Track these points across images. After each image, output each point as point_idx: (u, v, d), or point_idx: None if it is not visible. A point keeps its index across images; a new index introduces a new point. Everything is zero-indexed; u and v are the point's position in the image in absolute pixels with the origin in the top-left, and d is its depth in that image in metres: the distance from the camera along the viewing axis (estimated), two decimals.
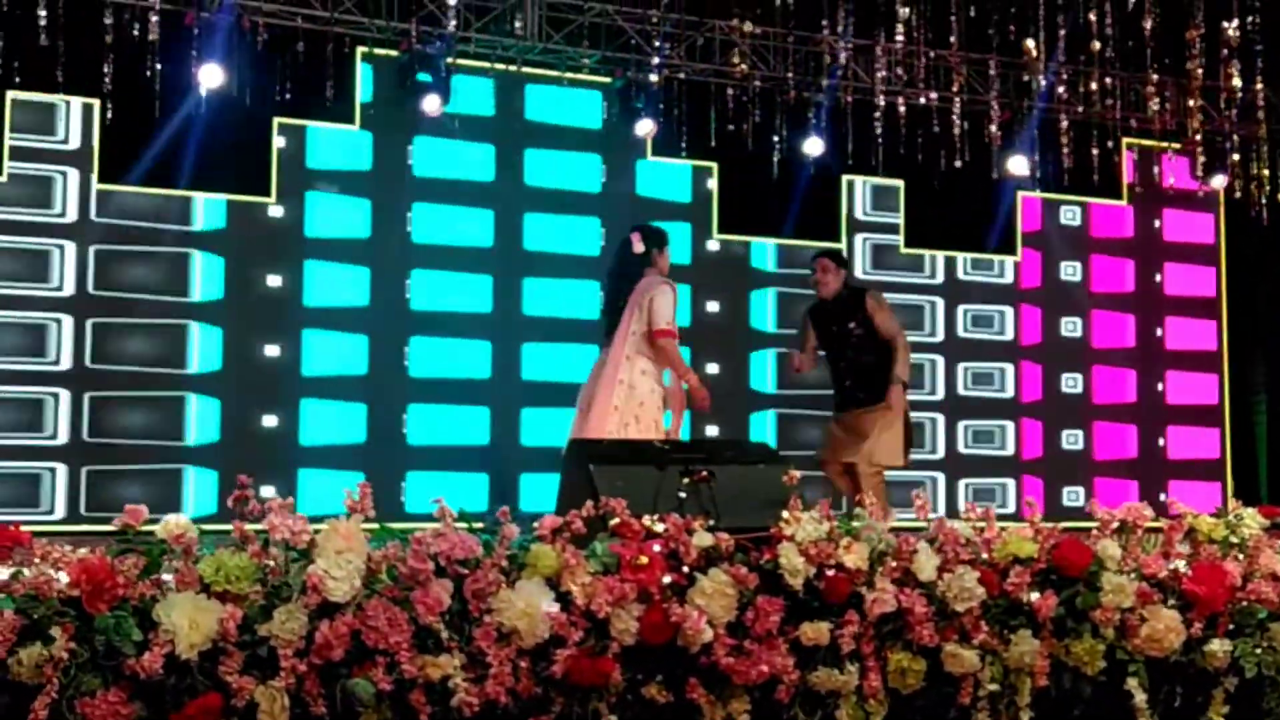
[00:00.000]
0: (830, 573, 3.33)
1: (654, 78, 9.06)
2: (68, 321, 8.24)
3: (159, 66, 7.94)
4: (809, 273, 7.42)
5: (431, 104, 8.66)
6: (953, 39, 8.81)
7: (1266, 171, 10.23)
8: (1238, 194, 10.51)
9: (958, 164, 9.52)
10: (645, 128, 9.20)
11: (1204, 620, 3.58)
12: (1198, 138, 10.05)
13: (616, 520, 3.30)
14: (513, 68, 9.15)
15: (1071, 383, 10.72)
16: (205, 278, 8.57)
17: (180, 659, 2.79)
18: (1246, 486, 10.29)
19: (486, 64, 9.14)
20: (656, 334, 6.38)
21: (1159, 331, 11.00)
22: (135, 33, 7.85)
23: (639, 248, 6.57)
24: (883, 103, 9.24)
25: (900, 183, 10.20)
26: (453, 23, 8.54)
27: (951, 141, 9.52)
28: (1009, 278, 10.59)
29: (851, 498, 7.00)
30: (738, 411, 9.64)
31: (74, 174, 8.28)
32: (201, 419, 8.49)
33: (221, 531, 3.07)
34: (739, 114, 9.31)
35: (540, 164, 9.43)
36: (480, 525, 3.24)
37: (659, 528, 3.31)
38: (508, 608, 3.03)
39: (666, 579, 3.19)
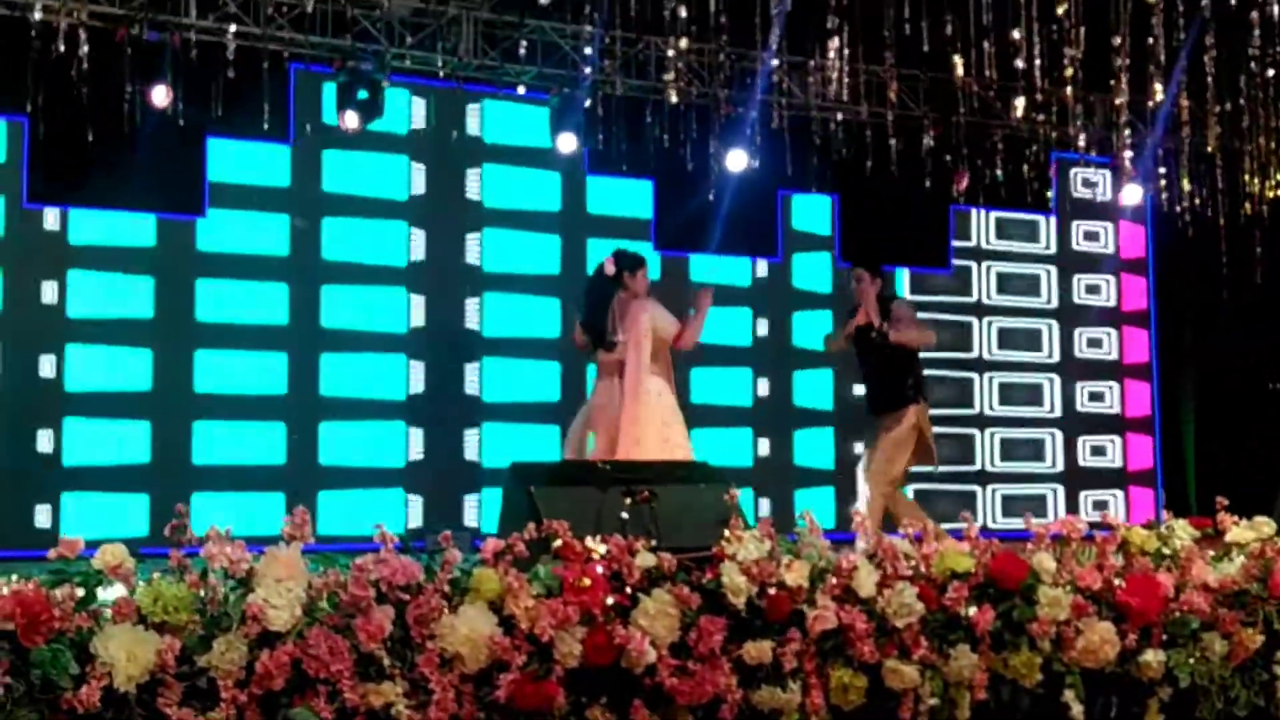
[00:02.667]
0: (772, 591, 3.34)
1: (586, 95, 9.06)
2: None
3: (88, 85, 7.83)
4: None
5: (360, 121, 8.60)
6: (887, 55, 8.90)
7: (1188, 184, 10.42)
8: (1165, 207, 10.72)
9: (894, 176, 9.62)
10: (568, 144, 9.18)
11: (1138, 631, 3.64)
12: (1125, 152, 10.23)
13: (559, 542, 3.30)
14: (449, 84, 9.13)
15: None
16: None
17: (118, 692, 2.75)
18: (1177, 497, 10.45)
19: (422, 81, 9.11)
20: (676, 342, 6.86)
21: (1086, 343, 11.18)
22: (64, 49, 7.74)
23: (610, 270, 6.87)
24: (819, 118, 9.33)
25: (835, 197, 10.29)
26: (384, 40, 8.50)
27: (886, 156, 9.61)
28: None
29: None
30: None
31: None
32: None
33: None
34: (675, 130, 9.34)
35: (478, 180, 9.41)
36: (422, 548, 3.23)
37: (601, 549, 3.31)
38: (450, 633, 3.01)
39: (609, 600, 3.19)
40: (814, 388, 10.14)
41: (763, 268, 10.19)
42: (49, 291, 8.31)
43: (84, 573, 2.93)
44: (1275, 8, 8.11)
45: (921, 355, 7.50)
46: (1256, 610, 3.84)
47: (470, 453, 9.26)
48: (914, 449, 7.32)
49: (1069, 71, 8.58)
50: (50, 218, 8.32)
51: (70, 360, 8.31)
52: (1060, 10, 7.86)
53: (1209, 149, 10.17)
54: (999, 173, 10.15)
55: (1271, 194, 10.07)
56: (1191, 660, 3.68)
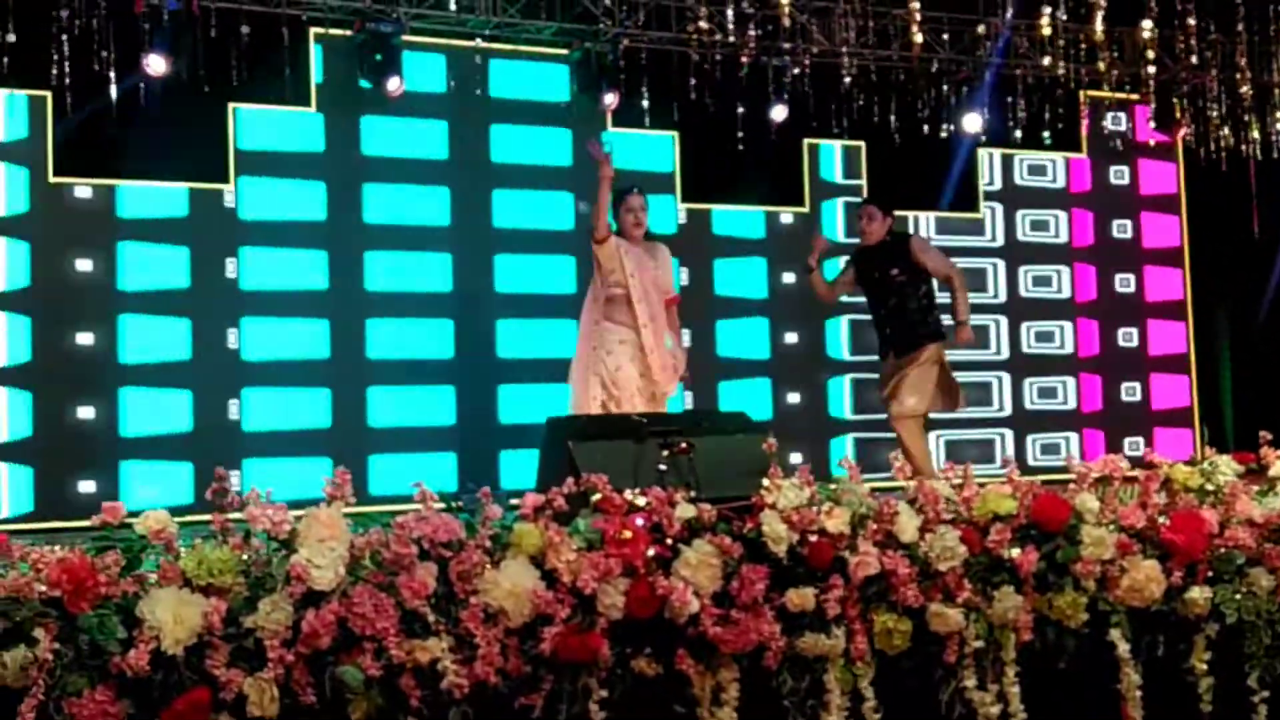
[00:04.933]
0: (813, 538, 3.34)
1: (611, 49, 9.00)
2: None
3: (109, 56, 7.83)
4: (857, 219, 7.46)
5: (390, 84, 8.58)
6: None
7: (1219, 120, 10.28)
8: (1195, 144, 10.59)
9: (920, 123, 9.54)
10: (609, 100, 9.15)
11: (1183, 569, 3.62)
12: (1152, 88, 10.10)
13: (598, 496, 3.30)
14: (469, 43, 9.08)
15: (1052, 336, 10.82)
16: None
17: (166, 654, 2.77)
18: (1215, 433, 10.38)
19: (442, 40, 9.07)
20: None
21: (1119, 282, 11.07)
22: (80, 23, 7.74)
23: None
24: (847, 64, 9.25)
25: (862, 144, 10.20)
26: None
27: (912, 101, 9.52)
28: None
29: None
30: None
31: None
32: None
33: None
34: (700, 82, 9.26)
35: (502, 139, 9.36)
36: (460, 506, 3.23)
37: (641, 501, 3.31)
38: (493, 588, 3.02)
39: (650, 552, 3.19)
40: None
41: (789, 217, 10.09)
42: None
43: (128, 539, 2.95)
44: None
45: (936, 296, 7.34)
46: None
47: (502, 413, 9.24)
48: (937, 387, 7.10)
49: (1096, 8, 8.47)
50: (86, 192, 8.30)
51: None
52: None
53: (1238, 85, 10.03)
54: (1023, 113, 10.05)
55: None
56: (1238, 596, 3.66)
